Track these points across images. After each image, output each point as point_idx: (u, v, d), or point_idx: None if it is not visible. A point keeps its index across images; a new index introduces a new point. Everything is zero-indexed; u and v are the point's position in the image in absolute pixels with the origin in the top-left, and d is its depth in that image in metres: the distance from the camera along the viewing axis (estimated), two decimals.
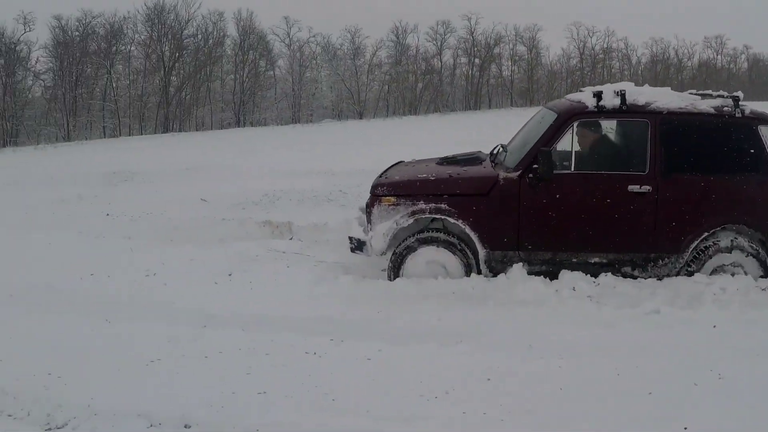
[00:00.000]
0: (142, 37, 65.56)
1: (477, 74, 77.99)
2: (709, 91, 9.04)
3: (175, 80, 64.88)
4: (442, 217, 8.35)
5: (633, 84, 8.98)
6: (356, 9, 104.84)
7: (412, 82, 74.52)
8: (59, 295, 8.45)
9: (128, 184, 17.27)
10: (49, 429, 5.30)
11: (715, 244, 8.27)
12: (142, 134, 57.61)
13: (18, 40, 61.22)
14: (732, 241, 8.25)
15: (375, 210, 8.55)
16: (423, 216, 8.41)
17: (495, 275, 8.42)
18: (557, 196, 8.31)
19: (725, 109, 8.33)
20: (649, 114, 8.33)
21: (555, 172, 8.22)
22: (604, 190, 8.31)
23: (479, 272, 8.46)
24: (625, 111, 8.38)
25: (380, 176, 9.25)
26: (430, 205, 8.32)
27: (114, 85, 62.59)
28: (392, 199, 8.46)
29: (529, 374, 5.90)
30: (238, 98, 67.54)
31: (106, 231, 11.78)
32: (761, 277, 8.22)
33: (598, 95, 8.45)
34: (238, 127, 63.40)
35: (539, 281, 8.08)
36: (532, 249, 8.48)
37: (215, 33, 68.12)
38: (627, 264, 8.47)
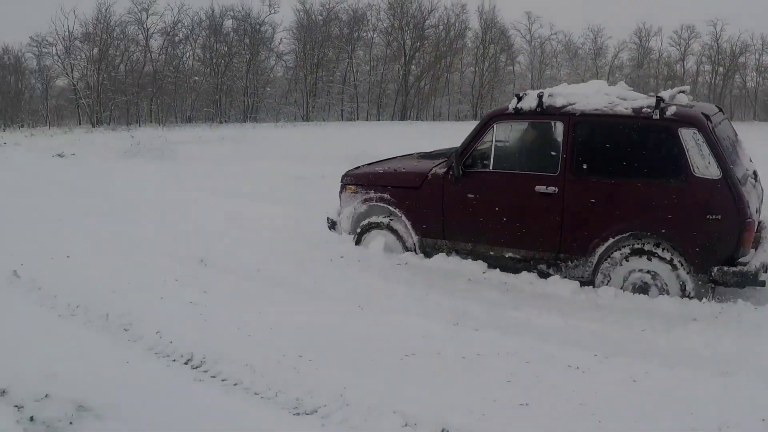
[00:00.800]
0: (384, 24, 66.68)
1: (720, 83, 74.73)
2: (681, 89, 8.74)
3: (415, 69, 65.58)
4: (385, 205, 9.58)
5: (605, 83, 9.09)
6: (599, 8, 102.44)
7: (653, 87, 72.38)
8: (309, 275, 8.45)
9: None
10: (298, 413, 5.17)
11: (620, 249, 8.04)
12: (379, 120, 58.46)
13: (263, 21, 64.10)
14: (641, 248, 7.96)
15: (342, 196, 10.13)
16: (372, 203, 9.72)
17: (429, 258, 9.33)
18: (475, 192, 8.87)
19: (644, 110, 7.94)
20: (562, 116, 8.33)
21: (475, 170, 8.91)
22: (515, 189, 8.65)
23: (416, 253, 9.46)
24: (540, 113, 8.53)
25: (357, 167, 10.59)
26: (378, 194, 9.67)
27: (354, 70, 63.92)
28: (353, 187, 9.96)
29: None
30: (476, 91, 67.48)
31: None
32: (681, 291, 7.77)
33: (519, 97, 8.74)
34: (475, 120, 63.34)
35: None
36: (455, 239, 9.20)
37: (457, 25, 68.42)
38: (541, 262, 8.62)
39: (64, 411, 5.19)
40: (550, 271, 8.54)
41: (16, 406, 5.34)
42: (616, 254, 8.02)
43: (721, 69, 73.98)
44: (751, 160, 8.78)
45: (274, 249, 9.65)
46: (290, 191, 14.28)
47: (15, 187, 16.98)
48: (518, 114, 8.66)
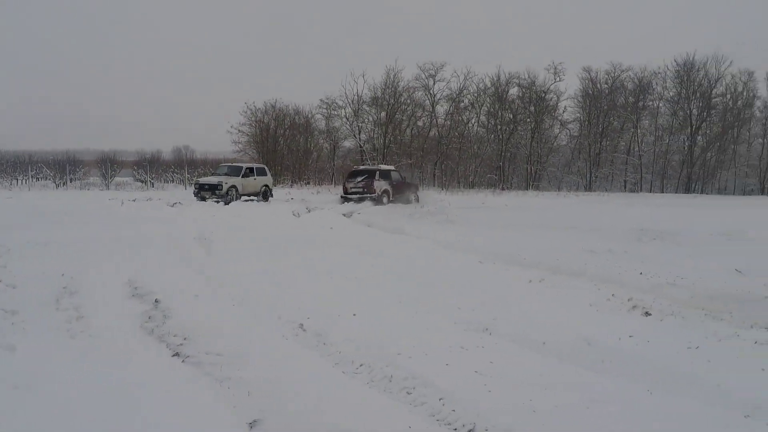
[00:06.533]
0: (671, 93, 65.13)
1: None
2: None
3: (701, 140, 63.56)
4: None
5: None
6: None
7: None
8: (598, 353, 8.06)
9: (657, 244, 16.64)
10: None
11: None
12: (662, 192, 57.14)
13: (548, 89, 64.44)
14: None
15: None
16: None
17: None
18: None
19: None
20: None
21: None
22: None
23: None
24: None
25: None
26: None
27: (639, 140, 62.80)
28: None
29: None
30: (765, 164, 64.53)
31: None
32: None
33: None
34: (762, 194, 60.67)
35: None
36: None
37: (745, 94, 65.69)
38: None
39: None
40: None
41: None
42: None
43: None
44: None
45: (562, 323, 9.30)
46: (581, 264, 13.79)
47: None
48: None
